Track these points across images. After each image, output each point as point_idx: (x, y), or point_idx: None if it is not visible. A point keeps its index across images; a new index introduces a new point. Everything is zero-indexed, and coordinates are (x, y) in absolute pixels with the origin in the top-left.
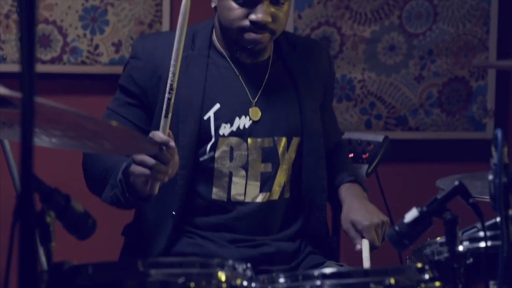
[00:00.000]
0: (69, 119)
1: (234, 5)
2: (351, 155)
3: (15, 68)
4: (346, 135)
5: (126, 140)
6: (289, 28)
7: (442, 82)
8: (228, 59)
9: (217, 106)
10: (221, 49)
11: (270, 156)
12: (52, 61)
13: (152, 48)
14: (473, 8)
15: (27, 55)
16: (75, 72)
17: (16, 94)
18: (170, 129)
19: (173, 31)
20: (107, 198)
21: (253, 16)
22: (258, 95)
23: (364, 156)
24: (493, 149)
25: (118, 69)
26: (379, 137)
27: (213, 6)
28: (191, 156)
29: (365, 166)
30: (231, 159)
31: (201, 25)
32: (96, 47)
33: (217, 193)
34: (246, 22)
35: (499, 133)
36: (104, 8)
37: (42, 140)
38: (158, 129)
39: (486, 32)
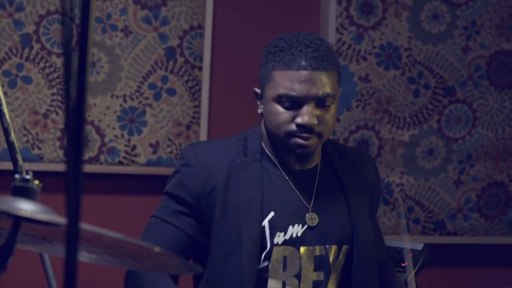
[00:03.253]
0: (109, 241)
1: (280, 109)
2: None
3: (51, 167)
4: (385, 242)
5: (168, 261)
6: None
7: (481, 187)
8: (278, 166)
9: (272, 214)
10: (271, 155)
11: (322, 264)
12: (90, 161)
13: (205, 156)
14: None
15: (73, 177)
16: (112, 172)
17: (61, 220)
18: (232, 234)
19: (222, 139)
20: None
21: (299, 119)
22: (312, 200)
23: (403, 264)
24: None
25: (155, 170)
26: (419, 245)
27: (259, 112)
28: (256, 261)
29: (404, 275)
30: (284, 268)
31: (251, 131)
32: (134, 147)
33: None
34: (293, 126)
35: None
36: (143, 109)
37: (81, 256)
38: (217, 240)
39: None
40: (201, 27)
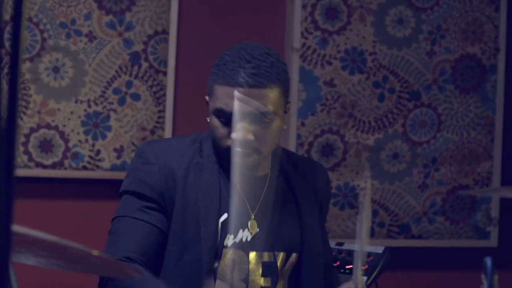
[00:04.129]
0: (51, 245)
1: (218, 123)
2: (350, 266)
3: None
4: (346, 246)
5: (109, 264)
6: (292, 136)
7: (446, 190)
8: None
9: (225, 215)
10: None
11: (269, 270)
12: (53, 166)
13: (164, 154)
14: (478, 116)
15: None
16: (76, 177)
17: None
18: (190, 230)
19: (177, 138)
20: None
21: (233, 135)
22: (257, 208)
23: (363, 268)
24: (483, 276)
25: (119, 175)
26: (379, 249)
27: (208, 120)
28: (213, 260)
29: (364, 278)
30: (232, 271)
31: (204, 134)
32: (98, 152)
33: None
34: (230, 142)
35: (489, 261)
36: (107, 114)
37: (29, 259)
38: (174, 234)
39: (491, 140)
40: (165, 32)
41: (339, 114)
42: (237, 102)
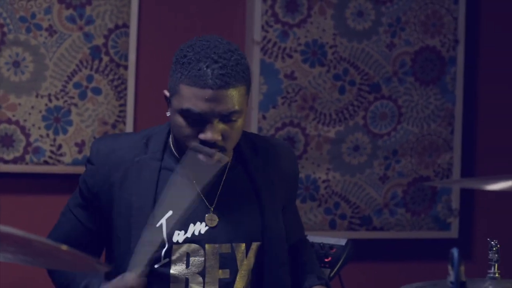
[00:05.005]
0: (19, 240)
1: (184, 123)
2: None
3: None
4: (309, 239)
5: (77, 259)
6: (254, 129)
7: (406, 182)
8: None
9: (170, 213)
10: (176, 154)
11: (228, 262)
12: (15, 161)
13: (107, 153)
14: (438, 108)
15: None
16: (38, 172)
17: None
18: (123, 235)
19: (129, 134)
20: None
21: (202, 135)
22: (216, 201)
23: (326, 260)
24: (449, 267)
25: (81, 169)
26: (342, 241)
27: (168, 115)
28: (146, 261)
29: (328, 270)
30: (187, 265)
31: (158, 128)
32: (59, 147)
33: None
34: (197, 142)
35: (455, 252)
36: (68, 108)
37: None
38: (117, 238)
39: (451, 132)
40: (126, 25)
41: (300, 107)
42: (207, 103)
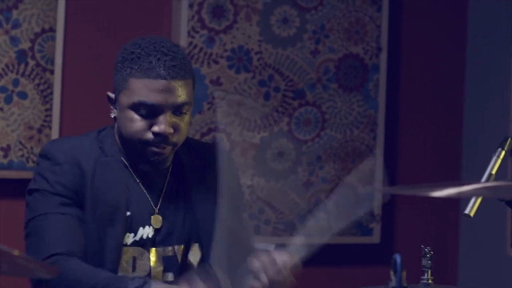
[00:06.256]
0: None
1: (136, 116)
2: None
3: None
4: None
5: (26, 264)
6: None
7: (330, 188)
8: (129, 168)
9: (128, 214)
10: (122, 158)
11: (171, 265)
12: None
13: (70, 152)
14: (361, 115)
15: None
16: None
17: None
18: (98, 233)
19: (77, 137)
20: None
21: (155, 128)
22: (160, 202)
23: None
24: (392, 273)
25: (6, 174)
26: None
27: (112, 116)
28: (117, 260)
29: None
30: (133, 269)
31: (104, 132)
32: None
33: None
34: (149, 135)
35: (398, 257)
36: None
37: None
38: (87, 234)
39: (373, 138)
40: (52, 30)
41: (225, 113)
42: (160, 95)
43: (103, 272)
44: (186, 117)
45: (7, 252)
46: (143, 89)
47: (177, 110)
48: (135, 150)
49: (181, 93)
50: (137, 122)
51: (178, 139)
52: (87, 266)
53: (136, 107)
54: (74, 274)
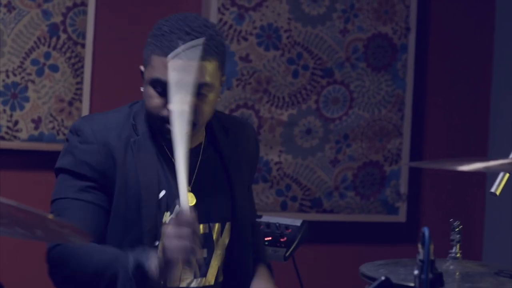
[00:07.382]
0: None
1: (154, 93)
2: (269, 238)
3: None
4: (264, 219)
5: (59, 229)
6: None
7: (357, 166)
8: (163, 144)
9: (163, 192)
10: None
11: (206, 241)
12: None
13: (101, 132)
14: (389, 94)
15: None
16: None
17: None
18: (131, 211)
19: (111, 113)
20: None
21: (170, 105)
22: (192, 181)
23: (282, 240)
24: (419, 245)
25: (37, 146)
26: (297, 221)
27: (142, 90)
28: (154, 240)
29: (283, 250)
30: None
31: (138, 108)
32: (16, 123)
33: None
34: (165, 112)
35: (426, 231)
36: (25, 84)
37: None
38: (116, 214)
39: (401, 118)
40: (84, 4)
41: (254, 89)
42: (174, 72)
43: (107, 251)
44: (208, 99)
45: (42, 216)
46: (160, 66)
47: (194, 90)
48: (155, 126)
49: (199, 74)
50: (154, 99)
51: (197, 119)
52: (91, 246)
53: (154, 83)
54: (76, 259)
